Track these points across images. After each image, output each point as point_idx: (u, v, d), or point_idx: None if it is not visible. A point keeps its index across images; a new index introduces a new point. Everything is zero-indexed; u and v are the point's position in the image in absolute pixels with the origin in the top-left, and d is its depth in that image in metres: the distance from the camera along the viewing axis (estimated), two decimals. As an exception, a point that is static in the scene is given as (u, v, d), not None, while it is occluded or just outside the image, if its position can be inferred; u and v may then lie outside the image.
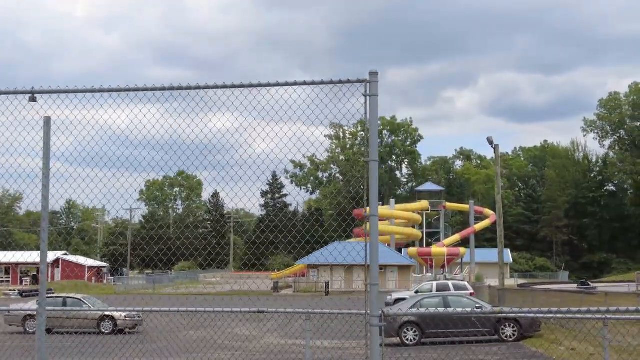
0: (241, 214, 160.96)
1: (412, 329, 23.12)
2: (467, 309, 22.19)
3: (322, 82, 6.77)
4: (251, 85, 7.11)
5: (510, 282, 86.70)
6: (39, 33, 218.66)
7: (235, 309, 10.52)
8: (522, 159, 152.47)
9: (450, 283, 42.80)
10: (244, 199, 7.56)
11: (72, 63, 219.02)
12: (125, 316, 28.47)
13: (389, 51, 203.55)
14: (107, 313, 28.67)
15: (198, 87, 7.28)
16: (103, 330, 27.98)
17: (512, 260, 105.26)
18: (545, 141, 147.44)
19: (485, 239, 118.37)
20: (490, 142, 43.52)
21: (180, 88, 7.18)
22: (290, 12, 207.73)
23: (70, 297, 30.00)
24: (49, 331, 28.74)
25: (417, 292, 39.06)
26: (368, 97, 6.60)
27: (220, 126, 7.48)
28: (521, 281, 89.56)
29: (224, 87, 7.23)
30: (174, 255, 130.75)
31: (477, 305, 23.37)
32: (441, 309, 22.50)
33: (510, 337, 22.91)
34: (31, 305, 29.37)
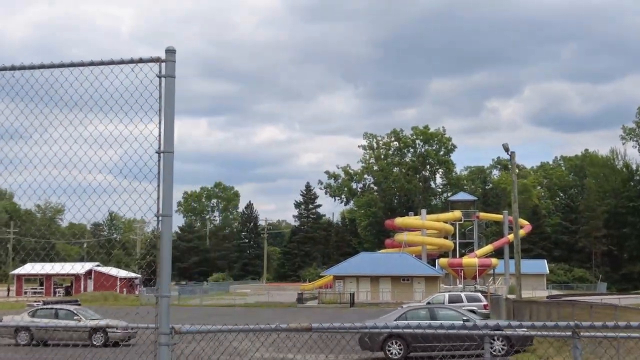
0: (282, 225, 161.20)
1: (396, 343, 22.26)
2: (453, 322, 21.26)
3: (112, 62, 6.07)
4: (23, 67, 6.36)
5: (544, 293, 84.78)
6: (85, 49, 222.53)
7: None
8: (563, 168, 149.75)
9: (463, 294, 41.62)
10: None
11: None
12: (126, 327, 28.06)
13: (433, 61, 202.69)
14: (100, 325, 28.36)
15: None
16: (95, 343, 27.57)
17: (548, 271, 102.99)
18: (586, 150, 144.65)
19: (522, 249, 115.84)
20: (506, 149, 42.42)
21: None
22: (331, 24, 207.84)
23: (62, 309, 29.74)
24: (44, 343, 28.44)
25: (428, 303, 37.94)
26: (163, 79, 5.83)
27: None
28: (556, 292, 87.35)
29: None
30: (209, 266, 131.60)
31: (465, 318, 22.40)
32: (425, 322, 21.63)
33: (499, 352, 21.90)
34: (23, 317, 29.22)
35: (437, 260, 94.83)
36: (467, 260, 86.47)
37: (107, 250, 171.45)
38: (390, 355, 22.17)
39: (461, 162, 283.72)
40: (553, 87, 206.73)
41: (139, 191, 5.94)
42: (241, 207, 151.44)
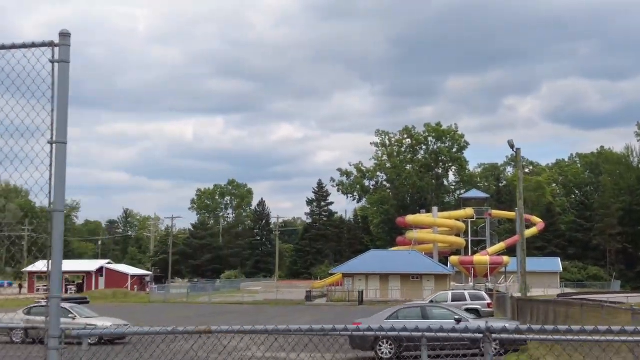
0: (297, 222, 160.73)
1: (387, 342, 21.86)
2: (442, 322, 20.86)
3: (3, 47, 5.71)
4: None
5: (557, 292, 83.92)
6: (102, 49, 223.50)
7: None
8: (579, 165, 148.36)
9: (466, 293, 41.09)
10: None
11: (135, 77, 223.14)
12: (111, 326, 27.91)
13: (450, 59, 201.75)
14: (92, 323, 28.24)
15: None
16: (88, 340, 27.32)
17: (562, 269, 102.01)
18: (602, 147, 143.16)
19: (536, 247, 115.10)
20: (512, 145, 41.84)
21: None
22: (346, 23, 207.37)
23: (58, 307, 29.54)
24: (40, 341, 28.44)
25: (431, 302, 37.49)
26: (56, 64, 5.47)
27: None
28: (569, 291, 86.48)
29: None
30: (222, 264, 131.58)
31: (457, 317, 21.98)
32: (417, 321, 21.27)
33: (492, 351, 21.43)
34: (15, 316, 29.11)
35: (448, 258, 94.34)
36: (478, 258, 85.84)
37: (122, 247, 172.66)
38: (381, 355, 21.79)
39: (477, 159, 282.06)
40: (570, 84, 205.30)
41: (30, 184, 5.62)
42: (254, 204, 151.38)
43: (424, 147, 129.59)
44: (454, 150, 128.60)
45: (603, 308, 15.23)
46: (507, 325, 22.30)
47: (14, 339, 27.78)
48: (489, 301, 39.58)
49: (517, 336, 7.36)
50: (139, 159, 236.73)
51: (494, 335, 8.87)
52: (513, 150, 41.92)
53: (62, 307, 25.64)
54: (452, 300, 39.10)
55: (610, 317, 14.25)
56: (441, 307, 24.05)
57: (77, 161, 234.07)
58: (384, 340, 21.94)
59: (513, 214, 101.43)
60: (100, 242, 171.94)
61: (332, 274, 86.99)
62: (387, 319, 22.44)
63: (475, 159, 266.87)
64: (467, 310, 38.19)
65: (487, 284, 78.31)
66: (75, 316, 28.63)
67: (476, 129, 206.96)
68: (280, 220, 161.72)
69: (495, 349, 21.53)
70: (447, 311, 22.91)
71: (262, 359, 19.87)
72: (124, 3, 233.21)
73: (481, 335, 6.49)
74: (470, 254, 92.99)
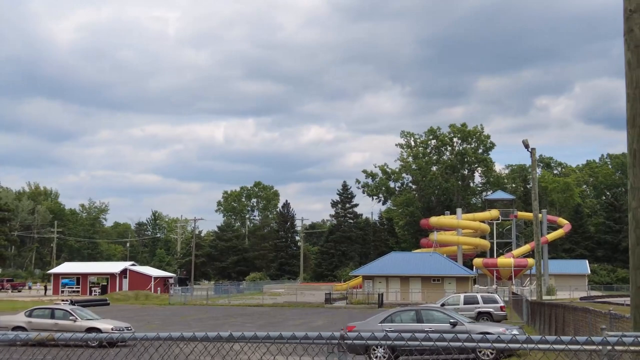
0: (326, 225, 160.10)
1: (381, 346, 21.28)
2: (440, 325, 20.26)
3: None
4: None
5: (584, 294, 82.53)
6: (133, 52, 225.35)
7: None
8: (610, 166, 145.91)
9: (478, 295, 40.27)
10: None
11: (166, 80, 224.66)
12: (113, 328, 27.75)
13: (480, 60, 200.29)
14: (94, 325, 28.10)
15: None
16: (90, 343, 27.16)
17: (589, 272, 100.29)
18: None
19: (564, 249, 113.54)
20: (526, 145, 41.00)
21: None
22: (376, 24, 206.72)
23: (59, 309, 29.51)
24: (41, 343, 28.30)
25: (443, 304, 36.79)
26: None
27: None
28: (596, 293, 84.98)
29: None
30: (248, 266, 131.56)
31: (452, 321, 21.36)
32: (414, 324, 20.72)
33: (488, 356, 20.82)
34: (15, 317, 29.07)
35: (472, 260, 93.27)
36: (502, 260, 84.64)
37: (150, 249, 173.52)
38: (374, 359, 21.24)
39: (507, 161, 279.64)
40: (603, 84, 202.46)
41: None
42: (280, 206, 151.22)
43: (449, 148, 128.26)
44: (480, 151, 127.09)
45: (589, 313, 14.60)
46: (504, 331, 21.61)
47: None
48: (501, 304, 38.74)
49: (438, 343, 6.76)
50: (170, 161, 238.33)
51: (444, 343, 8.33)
52: (528, 150, 41.06)
53: (63, 309, 25.33)
54: (464, 303, 38.38)
55: (599, 323, 13.60)
56: (437, 310, 23.41)
57: (109, 163, 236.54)
58: (378, 344, 21.39)
59: (539, 215, 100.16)
60: (128, 244, 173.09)
61: (355, 276, 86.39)
62: (381, 322, 21.91)
63: (505, 161, 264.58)
64: (480, 313, 37.51)
65: (513, 286, 77.20)
66: (77, 318, 28.50)
67: (507, 130, 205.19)
68: (307, 222, 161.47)
69: (492, 353, 20.95)
70: (443, 314, 22.29)
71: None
72: (155, 6, 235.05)
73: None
74: (495, 256, 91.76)
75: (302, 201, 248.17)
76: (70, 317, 28.42)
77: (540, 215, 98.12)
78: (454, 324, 21.26)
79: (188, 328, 38.05)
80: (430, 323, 21.51)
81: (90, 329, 27.47)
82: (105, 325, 28.18)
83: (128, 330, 27.99)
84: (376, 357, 21.27)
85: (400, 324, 21.55)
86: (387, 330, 20.93)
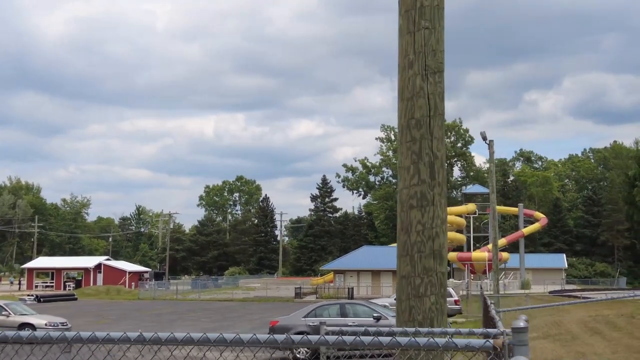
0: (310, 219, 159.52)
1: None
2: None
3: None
4: None
5: (559, 288, 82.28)
6: (122, 46, 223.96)
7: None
8: (592, 160, 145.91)
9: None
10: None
11: (155, 74, 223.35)
12: (46, 324, 27.19)
13: (470, 54, 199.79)
14: (27, 321, 27.55)
15: None
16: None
17: (567, 266, 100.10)
18: (615, 142, 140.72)
19: (542, 243, 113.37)
20: (484, 137, 40.54)
21: None
22: (367, 18, 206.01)
23: (-7, 304, 28.93)
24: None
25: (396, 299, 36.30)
26: None
27: None
28: (570, 287, 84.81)
29: None
30: (228, 260, 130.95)
31: (375, 315, 20.91)
32: (336, 319, 20.22)
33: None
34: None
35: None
36: (476, 254, 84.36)
37: (134, 244, 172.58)
38: (297, 355, 20.75)
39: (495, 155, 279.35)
40: (593, 78, 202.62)
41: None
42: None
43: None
44: (459, 145, 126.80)
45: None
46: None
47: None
48: (456, 298, 38.34)
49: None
50: (160, 156, 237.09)
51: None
52: (485, 142, 40.58)
53: (-5, 305, 24.25)
54: (419, 298, 37.94)
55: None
56: (361, 304, 22.96)
57: (99, 157, 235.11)
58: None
59: (516, 209, 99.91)
60: (110, 239, 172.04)
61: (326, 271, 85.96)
62: (304, 316, 21.47)
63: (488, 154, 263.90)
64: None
65: (487, 280, 76.90)
66: (10, 314, 27.95)
67: (498, 124, 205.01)
68: (294, 217, 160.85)
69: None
70: (368, 308, 21.87)
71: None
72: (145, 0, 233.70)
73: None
74: (471, 250, 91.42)
75: (292, 196, 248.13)
76: (3, 313, 27.88)
77: (517, 209, 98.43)
78: (377, 318, 20.83)
79: (140, 324, 37.50)
80: (355, 317, 21.07)
81: (23, 325, 26.96)
82: (39, 320, 27.67)
83: (63, 325, 27.45)
84: (299, 353, 20.78)
85: (323, 318, 21.06)
86: (309, 325, 20.44)
